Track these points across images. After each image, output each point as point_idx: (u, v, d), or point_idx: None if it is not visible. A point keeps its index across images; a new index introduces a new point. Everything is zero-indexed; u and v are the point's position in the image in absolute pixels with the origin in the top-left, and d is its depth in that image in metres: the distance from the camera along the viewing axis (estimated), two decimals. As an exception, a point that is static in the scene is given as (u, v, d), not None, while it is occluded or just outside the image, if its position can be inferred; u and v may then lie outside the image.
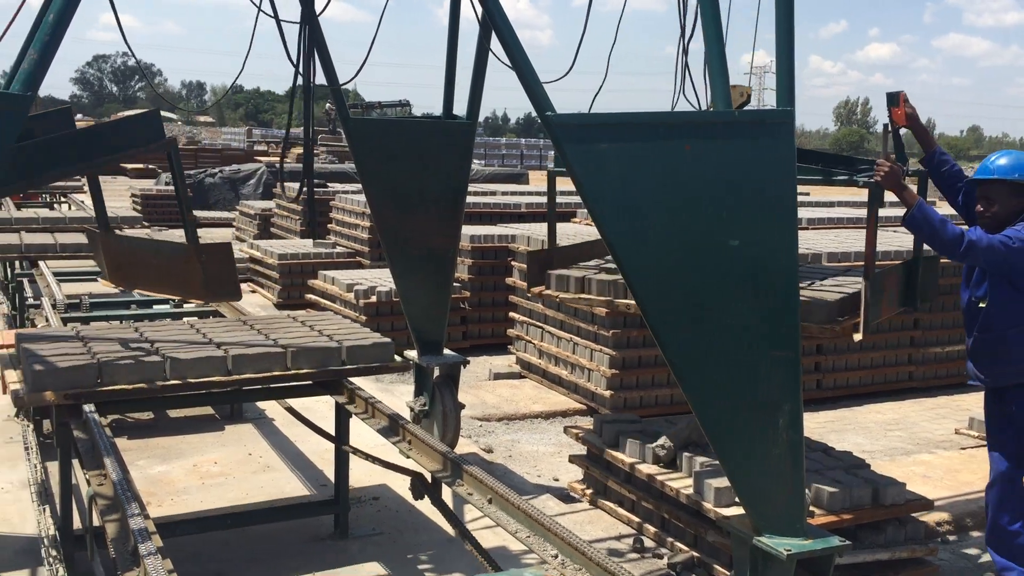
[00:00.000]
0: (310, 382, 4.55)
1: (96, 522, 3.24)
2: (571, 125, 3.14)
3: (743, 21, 5.01)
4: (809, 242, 8.07)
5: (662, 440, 4.69)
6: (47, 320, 6.78)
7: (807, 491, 3.58)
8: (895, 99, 4.49)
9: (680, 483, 4.47)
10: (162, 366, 4.00)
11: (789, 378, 3.23)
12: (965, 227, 4.26)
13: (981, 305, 4.31)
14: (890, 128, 4.45)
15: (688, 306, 3.21)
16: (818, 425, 6.96)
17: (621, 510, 5.00)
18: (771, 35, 3.34)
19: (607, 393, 6.91)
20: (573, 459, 5.41)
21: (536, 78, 3.28)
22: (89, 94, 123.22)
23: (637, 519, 4.88)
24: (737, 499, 3.87)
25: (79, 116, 66.44)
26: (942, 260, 4.71)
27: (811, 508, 4.09)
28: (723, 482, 4.18)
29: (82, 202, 17.03)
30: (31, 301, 8.34)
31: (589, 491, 5.29)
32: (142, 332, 4.52)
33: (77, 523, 4.29)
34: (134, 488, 3.07)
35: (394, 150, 5.46)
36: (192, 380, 4.03)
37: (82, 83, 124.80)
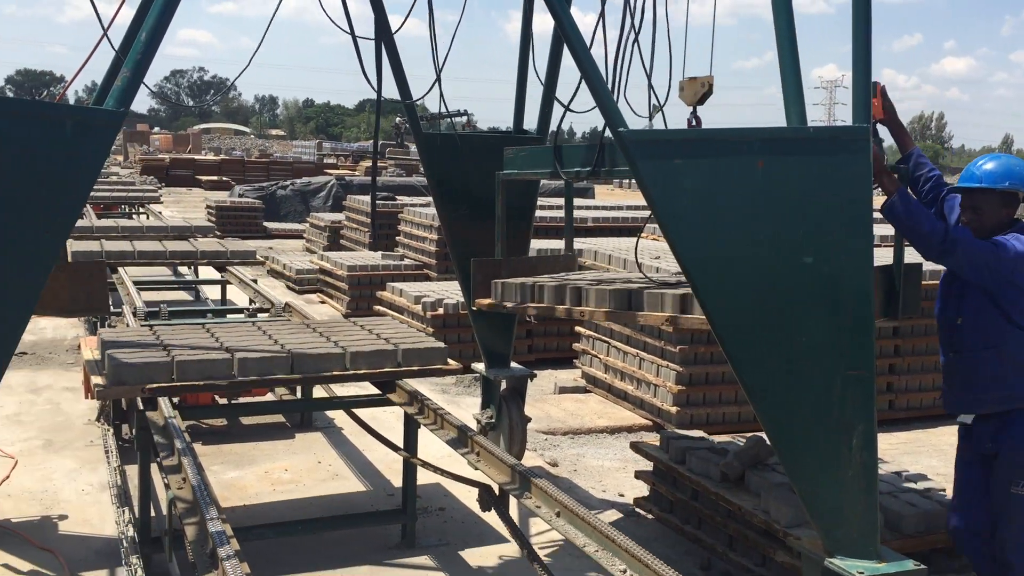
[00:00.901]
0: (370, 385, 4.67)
1: (175, 525, 3.34)
2: (645, 141, 3.16)
3: (821, 34, 4.96)
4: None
5: (730, 458, 4.65)
6: (127, 326, 6.99)
7: (880, 513, 3.52)
8: (872, 90, 4.07)
9: (749, 502, 4.43)
10: (229, 363, 4.18)
11: (863, 398, 3.19)
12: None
13: (958, 321, 3.89)
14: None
15: (761, 324, 3.19)
16: (891, 446, 6.82)
17: (688, 527, 4.96)
18: (845, 48, 3.31)
19: (673, 409, 6.87)
20: (639, 475, 5.39)
21: (608, 93, 3.31)
22: (166, 108, 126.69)
23: (704, 537, 4.84)
24: (808, 519, 3.82)
25: (156, 130, 68.34)
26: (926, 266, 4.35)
27: (884, 530, 4.02)
28: (793, 502, 4.13)
29: (160, 213, 17.53)
30: (112, 309, 8.60)
31: (655, 507, 5.26)
32: (214, 333, 4.66)
33: (155, 525, 4.42)
34: (212, 492, 3.16)
35: (465, 164, 5.53)
36: (256, 377, 4.23)
37: (159, 98, 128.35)
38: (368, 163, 33.91)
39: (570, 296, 4.37)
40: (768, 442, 4.65)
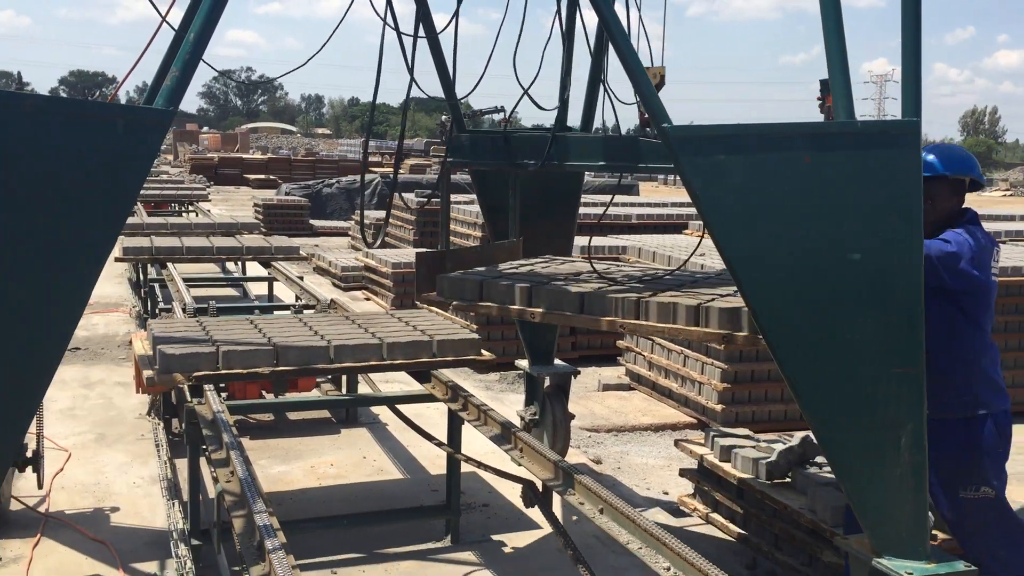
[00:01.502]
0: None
1: (223, 517, 3.39)
2: (689, 137, 3.14)
3: (870, 27, 4.89)
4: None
5: (777, 456, 4.61)
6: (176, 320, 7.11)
7: (930, 513, 3.47)
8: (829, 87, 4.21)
9: (795, 500, 4.38)
10: (272, 353, 4.28)
11: (912, 396, 3.14)
12: None
13: None
14: (827, 118, 4.00)
15: (807, 322, 3.15)
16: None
17: (733, 526, 4.93)
18: (896, 42, 3.26)
19: (718, 407, 6.82)
20: (684, 473, 5.36)
21: (652, 88, 3.29)
22: (215, 107, 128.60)
23: (750, 536, 4.80)
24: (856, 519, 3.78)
25: (205, 129, 69.28)
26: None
27: (934, 531, 3.95)
28: (840, 501, 4.08)
29: (208, 211, 17.79)
30: (162, 305, 8.77)
31: (700, 506, 5.23)
32: (258, 326, 4.74)
33: (203, 518, 4.49)
34: (259, 485, 3.20)
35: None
36: (297, 367, 4.32)
37: (208, 97, 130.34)
38: (413, 161, 34.09)
39: (520, 296, 4.31)
40: (815, 441, 4.61)
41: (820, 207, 3.14)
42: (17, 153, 2.46)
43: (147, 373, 4.15)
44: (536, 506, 4.15)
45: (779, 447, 4.72)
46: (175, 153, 45.09)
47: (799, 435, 4.77)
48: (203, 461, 4.32)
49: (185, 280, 8.82)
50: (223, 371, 4.16)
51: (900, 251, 3.14)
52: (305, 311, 7.75)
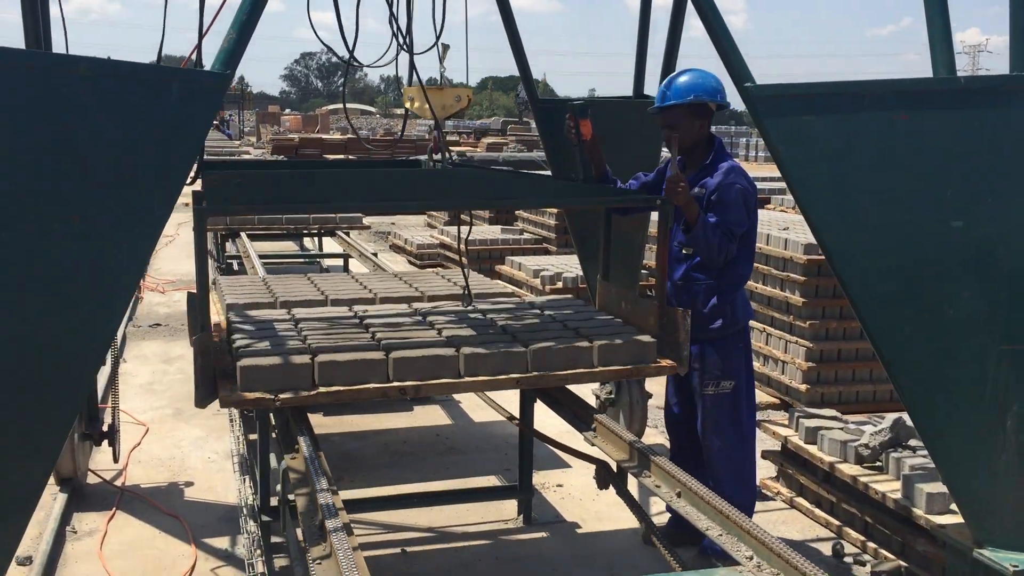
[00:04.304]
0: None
1: (287, 495, 3.32)
2: (774, 96, 2.93)
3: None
4: None
5: (866, 438, 4.36)
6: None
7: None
8: (583, 111, 4.22)
9: (886, 486, 4.14)
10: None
11: (1021, 375, 2.89)
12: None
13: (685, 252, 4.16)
14: (575, 142, 4.25)
15: (905, 295, 2.93)
16: None
17: (819, 511, 4.70)
18: (990, 11, 2.99)
19: (803, 387, 6.55)
20: (766, 455, 5.14)
21: (735, 46, 3.08)
22: (296, 90, 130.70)
23: (836, 522, 4.57)
24: (954, 507, 3.54)
25: (287, 111, 70.41)
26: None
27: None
28: (936, 487, 3.84)
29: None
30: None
31: (783, 489, 5.01)
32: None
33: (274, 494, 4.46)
34: (324, 464, 3.11)
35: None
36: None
37: (290, 80, 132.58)
38: (490, 140, 34.02)
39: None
40: (909, 423, 4.35)
41: (918, 170, 2.91)
42: (70, 118, 2.40)
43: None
44: (610, 487, 3.99)
45: (869, 429, 4.48)
46: (258, 135, 45.85)
47: (890, 417, 4.52)
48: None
49: (261, 257, 8.87)
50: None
51: (1007, 217, 2.89)
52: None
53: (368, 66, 4.16)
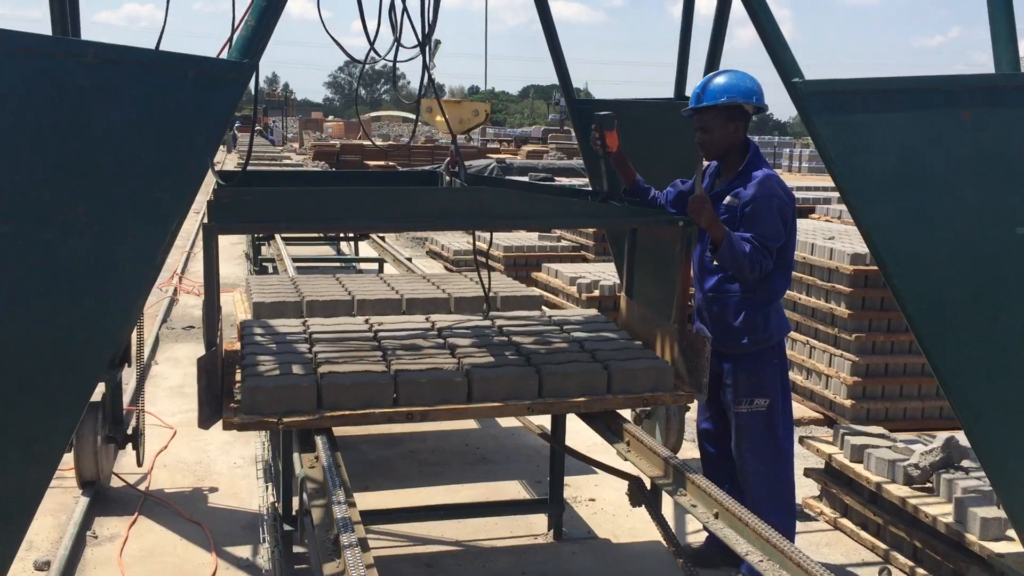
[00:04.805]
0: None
1: (305, 506, 3.19)
2: (824, 92, 2.75)
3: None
4: None
5: (916, 458, 4.14)
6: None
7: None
8: (610, 122, 4.05)
9: (937, 509, 3.92)
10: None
11: (1090, 395, 2.68)
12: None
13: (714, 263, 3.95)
14: (601, 154, 4.11)
15: (962, 306, 2.73)
16: None
17: (864, 534, 4.48)
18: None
19: (848, 403, 6.31)
20: (808, 473, 4.93)
21: (783, 40, 2.90)
22: (340, 97, 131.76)
23: (883, 546, 4.34)
24: (1011, 532, 3.31)
25: (330, 118, 70.93)
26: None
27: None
28: (992, 511, 3.61)
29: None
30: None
31: (827, 509, 4.79)
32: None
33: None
34: (343, 474, 2.98)
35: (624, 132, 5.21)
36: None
37: (334, 87, 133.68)
38: (531, 148, 33.94)
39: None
40: (962, 442, 4.12)
41: (980, 172, 2.71)
42: (79, 106, 2.28)
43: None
44: (643, 506, 3.81)
45: (919, 448, 4.26)
46: (301, 141, 46.19)
47: (942, 436, 4.29)
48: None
49: (295, 260, 8.80)
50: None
51: (1078, 224, 2.68)
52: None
53: (383, 59, 4.06)
